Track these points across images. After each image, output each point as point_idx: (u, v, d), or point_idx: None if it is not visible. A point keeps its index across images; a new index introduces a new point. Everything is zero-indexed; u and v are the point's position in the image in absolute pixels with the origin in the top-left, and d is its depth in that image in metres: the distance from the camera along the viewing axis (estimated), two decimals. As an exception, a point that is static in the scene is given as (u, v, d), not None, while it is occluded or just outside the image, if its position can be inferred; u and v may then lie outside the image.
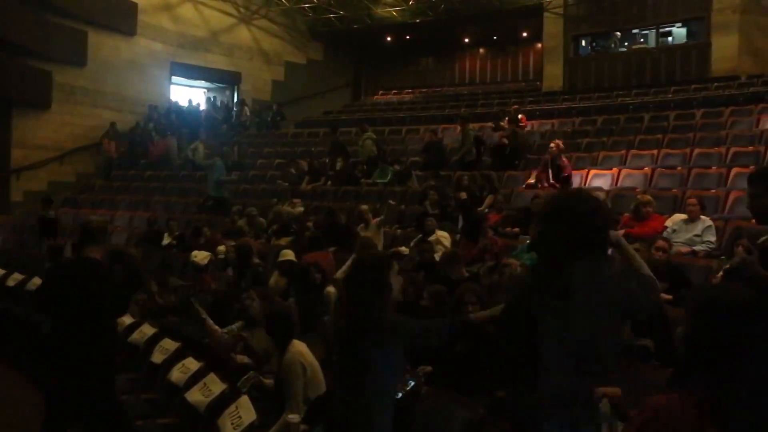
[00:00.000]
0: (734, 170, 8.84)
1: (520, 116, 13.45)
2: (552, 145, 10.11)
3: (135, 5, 18.73)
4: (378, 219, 8.77)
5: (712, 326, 1.78)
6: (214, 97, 21.30)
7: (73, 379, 3.97)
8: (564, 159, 9.97)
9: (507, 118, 13.27)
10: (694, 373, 1.80)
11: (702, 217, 6.64)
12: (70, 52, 17.11)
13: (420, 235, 8.04)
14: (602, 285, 2.40)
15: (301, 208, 10.75)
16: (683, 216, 6.76)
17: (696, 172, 9.34)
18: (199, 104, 20.77)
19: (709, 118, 12.39)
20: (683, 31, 17.87)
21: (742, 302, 1.77)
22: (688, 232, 6.52)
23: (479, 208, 9.05)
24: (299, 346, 4.12)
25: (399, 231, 9.19)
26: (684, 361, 1.93)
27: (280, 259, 7.04)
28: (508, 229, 8.23)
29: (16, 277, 8.77)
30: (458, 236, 8.22)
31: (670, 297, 4.76)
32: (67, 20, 16.95)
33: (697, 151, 10.35)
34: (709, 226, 6.52)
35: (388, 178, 11.92)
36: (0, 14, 15.02)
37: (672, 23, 17.82)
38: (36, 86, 16.53)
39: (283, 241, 9.26)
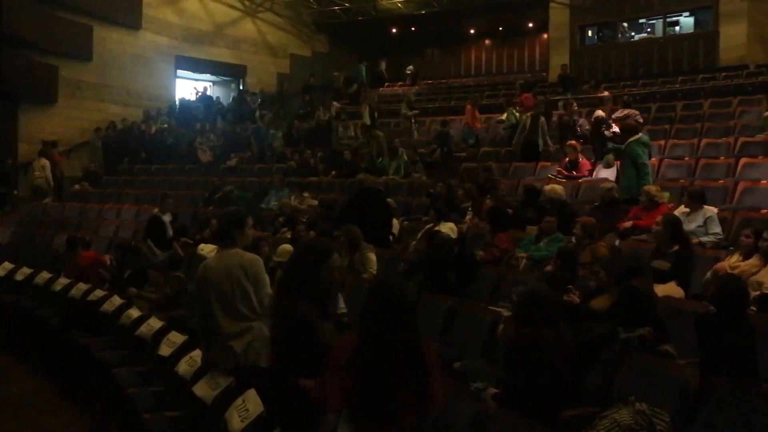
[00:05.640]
0: (742, 161, 8.75)
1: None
2: (571, 145, 9.97)
3: (140, -1, 18.74)
4: None
5: None
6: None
7: None
8: (581, 157, 9.90)
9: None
10: None
11: (705, 207, 6.55)
12: (75, 47, 17.15)
13: (428, 226, 7.96)
14: None
15: (314, 202, 10.69)
16: (686, 209, 6.66)
17: (704, 162, 9.25)
18: (211, 96, 20.76)
19: (717, 108, 12.30)
20: (691, 20, 17.75)
21: None
22: (690, 222, 6.43)
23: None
24: None
25: (406, 223, 9.11)
26: None
27: (277, 258, 6.51)
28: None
29: (24, 272, 8.76)
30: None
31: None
32: (73, 15, 16.97)
33: (704, 141, 10.27)
34: (711, 216, 6.40)
35: (393, 170, 11.91)
36: (6, 9, 15.04)
37: (679, 12, 17.70)
38: (42, 81, 16.58)
39: (289, 234, 9.21)
